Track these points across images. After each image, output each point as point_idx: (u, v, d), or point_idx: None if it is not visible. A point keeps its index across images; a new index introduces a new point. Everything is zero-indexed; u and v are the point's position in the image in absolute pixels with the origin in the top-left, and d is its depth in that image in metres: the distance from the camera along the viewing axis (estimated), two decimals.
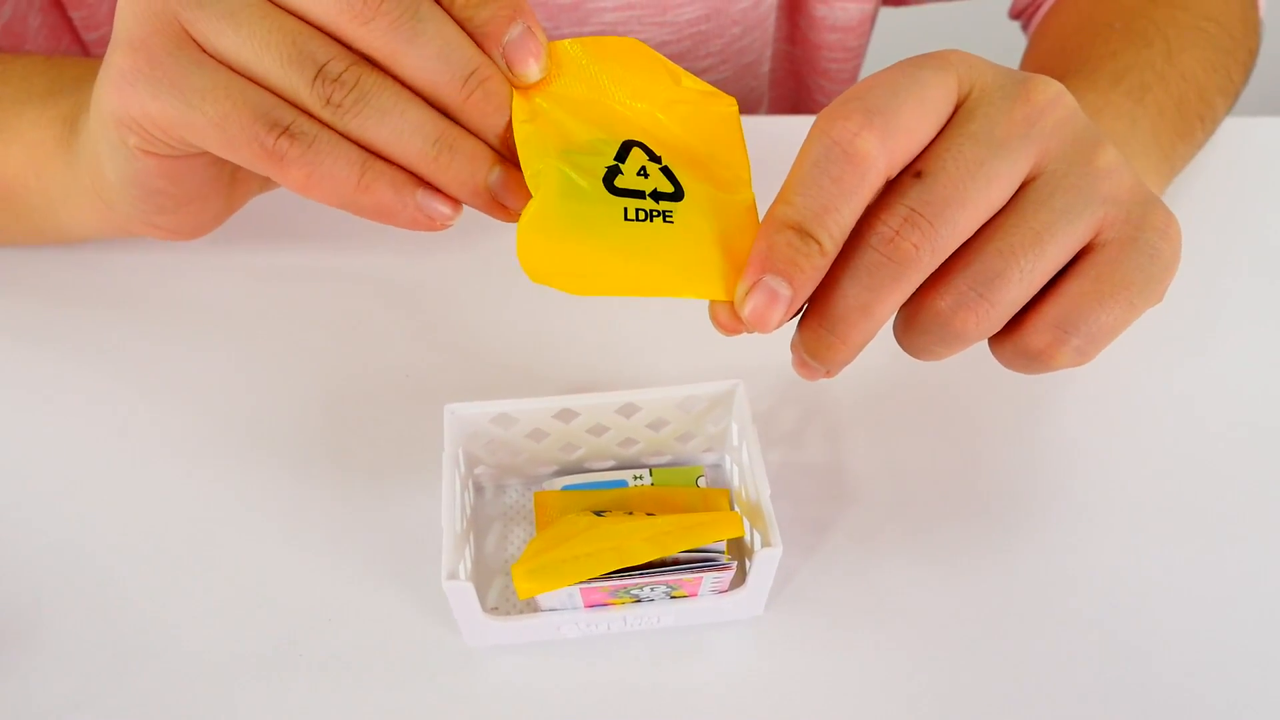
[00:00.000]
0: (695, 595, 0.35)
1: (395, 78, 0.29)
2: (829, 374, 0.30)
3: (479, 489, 0.41)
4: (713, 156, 0.31)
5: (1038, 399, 0.44)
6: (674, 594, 0.35)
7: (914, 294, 0.29)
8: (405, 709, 0.35)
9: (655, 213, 0.29)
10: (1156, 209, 0.29)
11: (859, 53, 0.67)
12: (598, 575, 0.32)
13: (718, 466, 0.42)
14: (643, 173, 0.30)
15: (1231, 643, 0.37)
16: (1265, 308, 0.48)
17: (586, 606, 0.35)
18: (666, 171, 0.30)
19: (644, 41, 0.32)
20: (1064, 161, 0.29)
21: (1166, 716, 0.35)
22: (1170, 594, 0.38)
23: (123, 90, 0.30)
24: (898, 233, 0.27)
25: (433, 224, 0.30)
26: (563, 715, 0.35)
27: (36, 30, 0.53)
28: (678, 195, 0.30)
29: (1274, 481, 0.41)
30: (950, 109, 0.29)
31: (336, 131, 0.29)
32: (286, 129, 0.29)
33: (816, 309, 0.29)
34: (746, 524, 0.36)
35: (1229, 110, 0.52)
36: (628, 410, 0.38)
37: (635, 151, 0.30)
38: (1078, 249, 0.29)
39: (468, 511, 0.38)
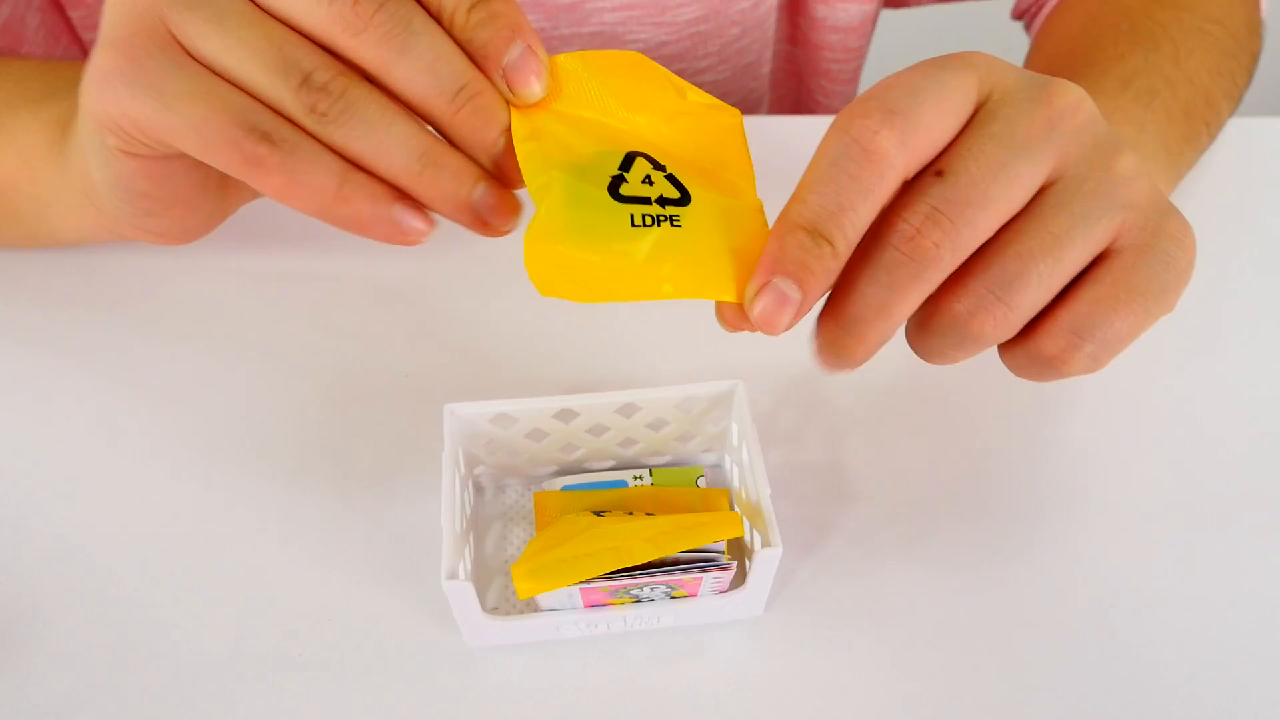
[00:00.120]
0: (695, 595, 0.35)
1: (384, 90, 0.29)
2: (849, 369, 0.30)
3: (479, 489, 0.41)
4: (717, 167, 0.31)
5: (1039, 400, 0.44)
6: (674, 594, 0.35)
7: (929, 297, 0.29)
8: (405, 709, 0.35)
9: (662, 217, 0.29)
10: (1173, 216, 0.29)
11: (860, 53, 0.67)
12: (597, 575, 0.32)
13: (718, 467, 0.42)
14: (648, 180, 0.30)
15: (1236, 649, 0.37)
16: (1267, 309, 0.48)
17: (586, 607, 0.35)
18: (672, 178, 0.30)
19: (643, 41, 0.32)
20: (1083, 166, 0.28)
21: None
22: (1172, 596, 0.38)
23: (103, 90, 0.30)
24: (919, 230, 0.27)
25: (407, 239, 0.30)
26: (563, 715, 0.35)
27: (35, 30, 0.53)
28: (684, 200, 0.30)
29: (1276, 482, 0.41)
30: (970, 110, 0.29)
31: (320, 141, 0.29)
32: (266, 134, 0.28)
33: (833, 308, 0.29)
34: (746, 524, 0.36)
35: (1233, 113, 0.52)
36: (628, 410, 0.38)
37: (639, 161, 0.30)
38: (1095, 254, 0.29)
39: (467, 511, 0.38)
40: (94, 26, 0.55)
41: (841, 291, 0.29)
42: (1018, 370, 0.31)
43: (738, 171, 0.31)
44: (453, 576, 0.33)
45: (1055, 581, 0.38)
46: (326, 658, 0.36)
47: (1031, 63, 0.56)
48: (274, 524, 0.40)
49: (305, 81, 0.28)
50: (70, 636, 0.36)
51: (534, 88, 0.29)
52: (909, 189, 0.28)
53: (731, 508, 0.39)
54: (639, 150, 0.30)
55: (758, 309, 0.28)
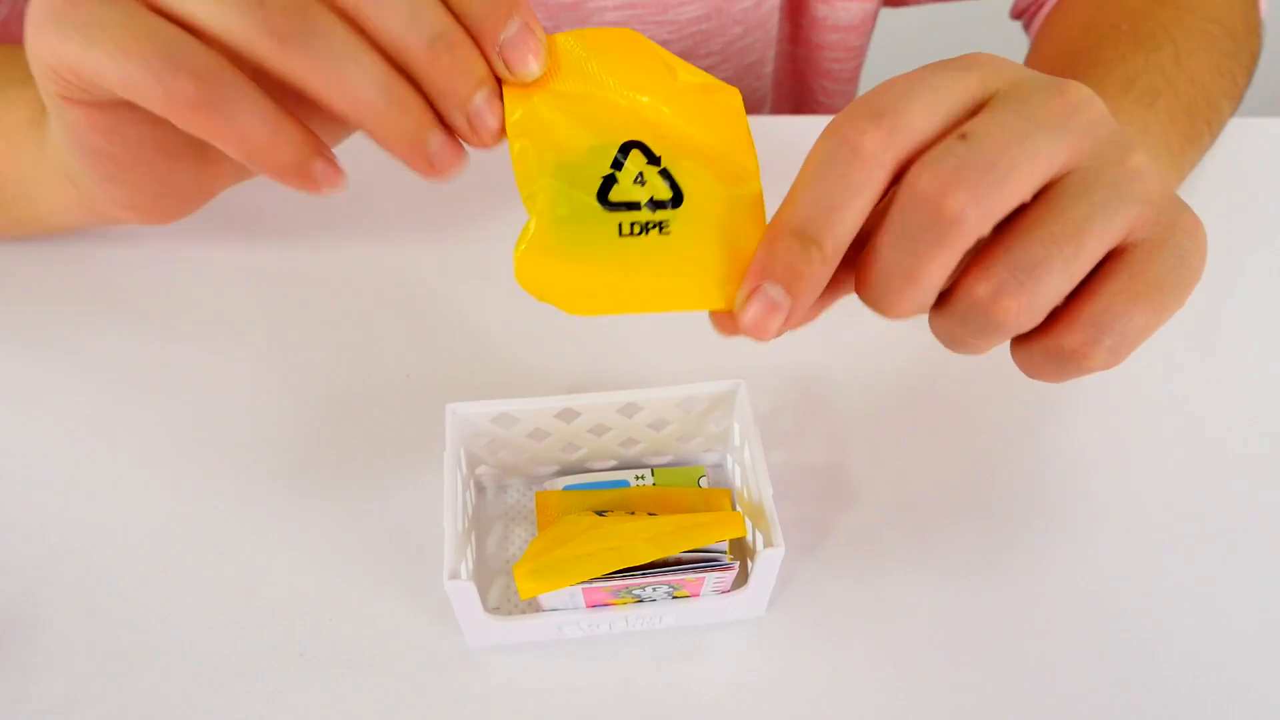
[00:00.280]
0: (697, 595, 0.35)
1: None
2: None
3: (480, 489, 0.41)
4: (718, 149, 0.31)
5: (1041, 401, 0.44)
6: (676, 594, 0.35)
7: (952, 283, 0.28)
8: (406, 709, 0.35)
9: (651, 224, 0.29)
10: (1186, 212, 0.29)
11: (860, 52, 0.67)
12: (599, 575, 0.32)
13: (719, 466, 0.42)
14: (639, 179, 0.30)
15: (1237, 649, 0.37)
16: (1268, 309, 0.48)
17: (588, 606, 0.35)
18: (665, 175, 0.30)
19: None
20: (1098, 159, 0.28)
21: None
22: (1173, 596, 0.38)
23: (36, 32, 0.29)
24: (944, 188, 0.26)
25: (317, 188, 0.29)
26: (564, 715, 0.35)
27: None
28: (676, 201, 0.30)
29: (1278, 482, 0.41)
30: (967, 109, 0.28)
31: (272, 73, 0.27)
32: (193, 70, 0.27)
33: (864, 277, 0.29)
34: (749, 524, 0.36)
35: (1233, 113, 0.52)
36: (629, 410, 0.38)
37: (634, 154, 0.30)
38: (1113, 245, 0.28)
39: (469, 511, 0.38)
40: None
41: (869, 259, 0.28)
42: (1032, 369, 0.31)
43: (738, 153, 0.31)
44: (455, 576, 0.33)
45: (1057, 582, 0.38)
46: (327, 658, 0.36)
47: (1031, 63, 0.56)
48: (275, 524, 0.39)
49: (263, 3, 0.27)
50: (70, 636, 0.36)
51: (531, 66, 0.28)
52: (928, 152, 0.28)
53: (733, 508, 0.39)
54: (636, 135, 0.30)
55: (747, 316, 0.28)
